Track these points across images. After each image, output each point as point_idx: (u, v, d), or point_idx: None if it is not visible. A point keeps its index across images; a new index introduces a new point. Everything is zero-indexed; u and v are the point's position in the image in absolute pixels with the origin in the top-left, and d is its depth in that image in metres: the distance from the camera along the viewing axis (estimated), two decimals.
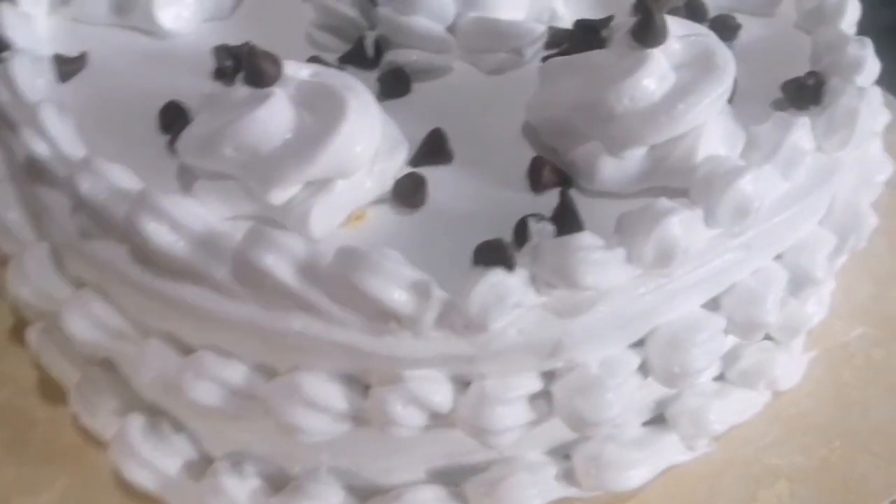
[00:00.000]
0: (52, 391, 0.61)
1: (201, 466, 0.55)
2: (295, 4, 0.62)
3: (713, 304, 0.51)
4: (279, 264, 0.43)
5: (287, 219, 0.47)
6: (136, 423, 0.55)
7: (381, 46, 0.57)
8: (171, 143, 0.51)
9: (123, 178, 0.48)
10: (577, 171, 0.50)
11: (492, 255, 0.44)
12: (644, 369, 0.49)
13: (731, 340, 0.53)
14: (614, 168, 0.49)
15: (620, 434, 0.55)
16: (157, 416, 0.55)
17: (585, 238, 0.44)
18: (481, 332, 0.44)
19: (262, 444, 0.53)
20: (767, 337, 0.56)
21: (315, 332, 0.45)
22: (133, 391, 0.57)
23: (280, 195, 0.47)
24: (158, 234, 0.45)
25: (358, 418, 0.47)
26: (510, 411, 0.47)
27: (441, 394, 0.46)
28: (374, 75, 0.56)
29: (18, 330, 0.64)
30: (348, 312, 0.44)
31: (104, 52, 0.58)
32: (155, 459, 0.54)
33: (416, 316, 0.43)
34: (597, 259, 0.44)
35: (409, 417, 0.46)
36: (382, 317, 0.44)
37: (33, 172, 0.51)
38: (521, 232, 0.47)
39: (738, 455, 0.57)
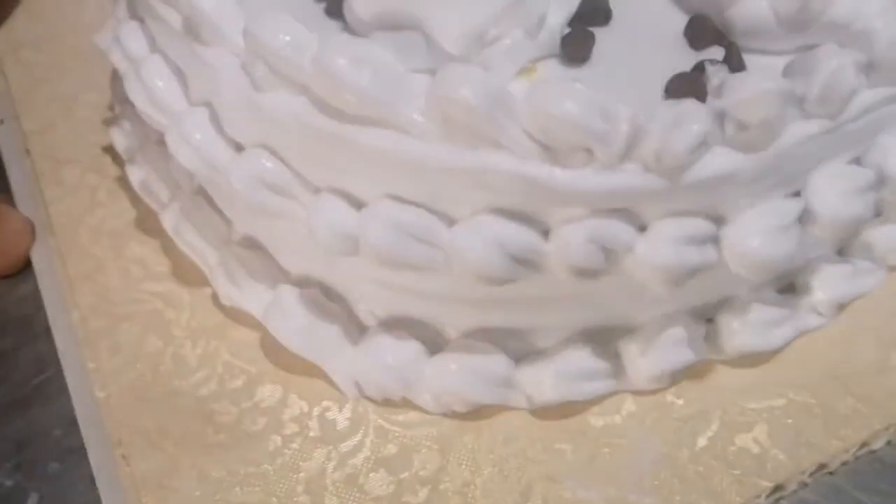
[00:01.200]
0: (186, 275, 0.62)
1: (357, 333, 0.56)
2: None
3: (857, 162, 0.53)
4: (475, 95, 0.44)
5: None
6: (289, 293, 0.55)
7: None
8: (330, 7, 0.52)
9: (299, 28, 0.48)
10: (736, 29, 0.51)
11: (685, 87, 0.45)
12: (804, 218, 0.51)
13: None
14: (774, 22, 0.50)
15: (761, 296, 0.56)
16: (307, 287, 0.56)
17: (768, 75, 0.46)
18: (674, 162, 0.45)
19: (419, 306, 0.54)
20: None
21: (505, 167, 0.46)
22: (279, 267, 0.58)
23: (461, 44, 0.47)
24: (347, 73, 0.46)
25: (536, 263, 0.48)
26: (685, 254, 0.48)
27: (625, 233, 0.47)
28: None
29: (141, 222, 0.65)
30: (539, 145, 0.45)
31: None
32: (311, 325, 0.55)
33: (611, 145, 0.44)
34: (778, 93, 0.45)
35: (591, 258, 0.47)
36: (575, 148, 0.45)
37: (195, 33, 0.51)
38: (690, 76, 0.48)
39: (868, 322, 0.59)
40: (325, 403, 0.56)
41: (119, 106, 0.67)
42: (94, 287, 0.61)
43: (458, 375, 0.54)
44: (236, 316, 0.59)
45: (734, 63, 0.49)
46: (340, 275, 0.55)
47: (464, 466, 0.53)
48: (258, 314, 0.57)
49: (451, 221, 0.48)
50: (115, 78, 0.66)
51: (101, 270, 0.62)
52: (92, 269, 0.62)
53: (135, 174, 0.64)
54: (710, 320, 0.57)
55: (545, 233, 0.48)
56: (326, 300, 0.56)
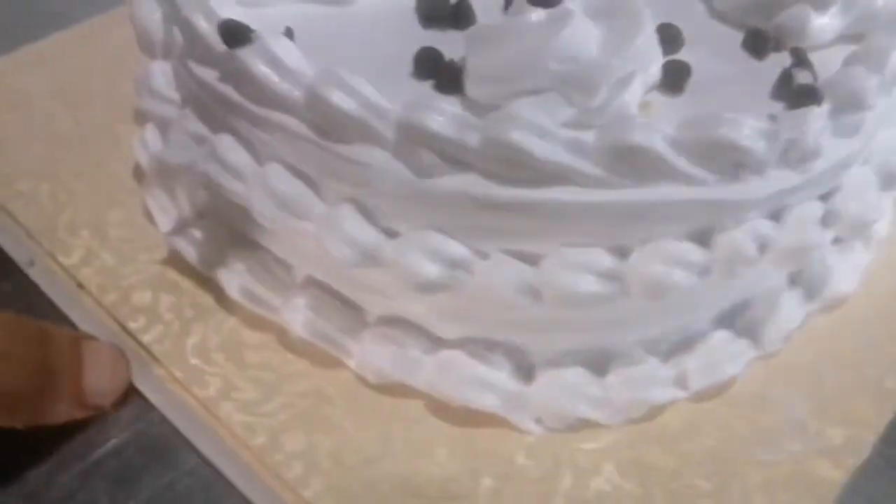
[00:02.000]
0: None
1: (526, 373, 0.59)
2: None
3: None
4: (654, 138, 0.49)
5: (601, 118, 0.53)
6: (455, 353, 0.58)
7: None
8: (443, 84, 0.55)
9: (455, 109, 0.51)
10: (788, 33, 0.60)
11: (805, 97, 0.52)
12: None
13: None
14: (821, 22, 0.59)
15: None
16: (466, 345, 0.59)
17: (863, 70, 0.54)
18: (814, 160, 0.52)
19: (585, 338, 0.58)
20: None
21: (681, 196, 0.51)
22: (428, 334, 0.60)
23: (600, 97, 0.52)
24: (524, 143, 0.49)
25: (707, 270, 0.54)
26: (814, 233, 0.56)
27: (770, 227, 0.54)
28: None
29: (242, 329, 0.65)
30: (706, 170, 0.51)
31: (299, 26, 0.60)
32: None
33: (767, 157, 0.51)
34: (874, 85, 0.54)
35: (755, 253, 0.54)
36: (736, 166, 0.51)
37: (335, 134, 0.53)
38: (788, 82, 0.56)
39: None
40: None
41: (191, 217, 0.65)
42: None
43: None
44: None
45: (805, 64, 0.57)
46: (507, 324, 0.58)
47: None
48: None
49: (623, 254, 0.53)
50: (179, 191, 0.65)
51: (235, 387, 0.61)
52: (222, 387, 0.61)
53: (232, 282, 0.63)
54: None
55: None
56: (487, 351, 0.59)
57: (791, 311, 0.62)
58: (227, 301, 0.64)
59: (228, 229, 0.65)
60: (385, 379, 0.60)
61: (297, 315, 0.61)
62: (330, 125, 0.53)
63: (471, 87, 0.54)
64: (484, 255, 0.54)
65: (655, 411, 0.60)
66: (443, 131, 0.50)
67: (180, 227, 0.67)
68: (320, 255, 0.56)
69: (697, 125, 0.50)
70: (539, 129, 0.50)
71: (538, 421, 0.59)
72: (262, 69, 0.53)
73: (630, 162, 0.50)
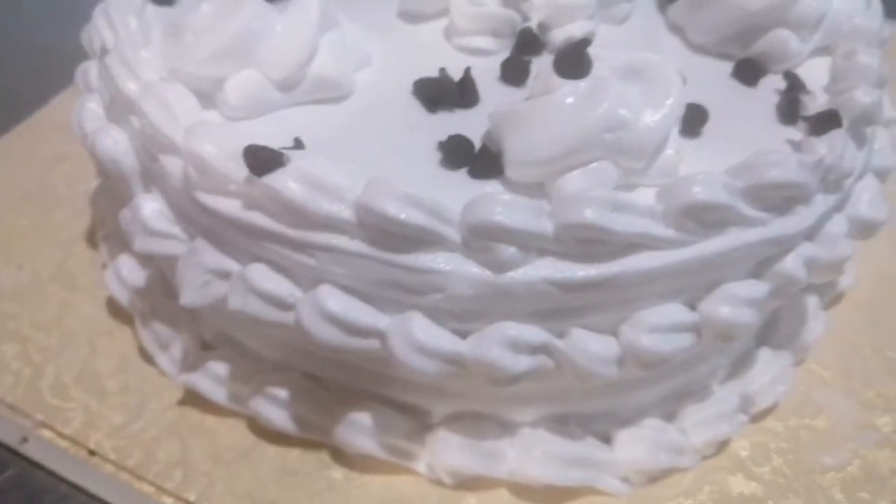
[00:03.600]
0: None
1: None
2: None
3: None
4: (716, 191, 0.50)
5: (647, 176, 0.53)
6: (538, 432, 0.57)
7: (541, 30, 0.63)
8: (480, 170, 0.54)
9: (524, 201, 0.50)
10: (771, 58, 0.62)
11: (828, 121, 0.55)
12: None
13: None
14: (799, 43, 0.62)
15: None
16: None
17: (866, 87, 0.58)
18: (847, 178, 0.55)
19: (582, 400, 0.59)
20: None
21: (745, 240, 0.52)
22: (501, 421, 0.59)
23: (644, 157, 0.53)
24: (607, 222, 0.49)
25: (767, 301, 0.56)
26: (845, 245, 0.59)
27: (812, 249, 0.56)
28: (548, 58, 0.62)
29: None
30: (763, 210, 0.52)
31: (301, 133, 0.56)
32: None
33: (813, 188, 0.53)
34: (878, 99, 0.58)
35: (805, 276, 0.56)
36: (788, 200, 0.53)
37: (408, 247, 0.50)
38: (795, 107, 0.58)
39: None
40: None
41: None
42: None
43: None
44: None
45: (801, 87, 0.60)
46: (583, 395, 0.58)
47: None
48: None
49: (693, 304, 0.54)
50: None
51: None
52: None
53: (273, 412, 0.59)
54: None
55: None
56: (561, 425, 0.58)
57: (815, 315, 0.65)
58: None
59: (256, 357, 0.61)
60: (462, 476, 0.58)
61: (357, 433, 0.58)
62: (388, 238, 0.50)
63: (512, 170, 0.53)
64: (561, 335, 0.53)
65: (724, 443, 0.62)
66: (516, 224, 0.49)
67: (192, 364, 0.62)
68: (386, 370, 0.54)
69: (749, 169, 0.52)
70: (610, 203, 0.49)
71: (625, 480, 0.59)
72: (300, 193, 0.50)
73: (697, 217, 0.51)
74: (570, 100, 0.51)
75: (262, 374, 0.61)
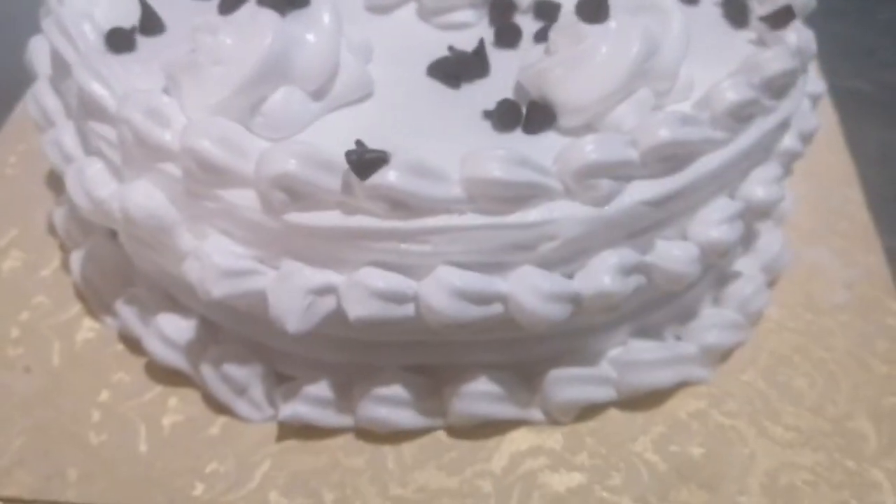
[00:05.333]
0: None
1: None
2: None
3: None
4: (747, 91, 0.58)
5: (671, 95, 0.60)
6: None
7: None
8: (534, 126, 0.58)
9: None
10: None
11: (784, 18, 0.64)
12: None
13: None
14: None
15: None
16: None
17: None
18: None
19: None
20: None
21: (766, 127, 0.60)
22: None
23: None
24: (685, 133, 0.55)
25: None
26: None
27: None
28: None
29: None
30: (773, 98, 0.61)
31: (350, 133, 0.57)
32: None
33: (800, 71, 0.62)
34: None
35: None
36: (786, 87, 0.62)
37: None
38: (744, 10, 0.67)
39: None
40: None
41: None
42: None
43: None
44: None
45: None
46: None
47: None
48: None
49: (732, 195, 0.62)
50: None
51: None
52: None
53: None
54: None
55: None
56: None
57: None
58: None
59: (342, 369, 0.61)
60: (577, 409, 0.63)
61: (473, 402, 0.61)
62: (498, 203, 0.53)
63: (565, 118, 0.57)
64: (646, 251, 0.58)
65: None
66: (610, 158, 0.54)
67: (284, 396, 0.61)
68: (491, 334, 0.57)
69: (756, 67, 0.59)
70: (677, 120, 0.55)
71: (705, 367, 0.66)
72: (411, 183, 0.52)
73: (736, 115, 0.58)
74: (606, 41, 0.57)
75: (362, 382, 0.61)
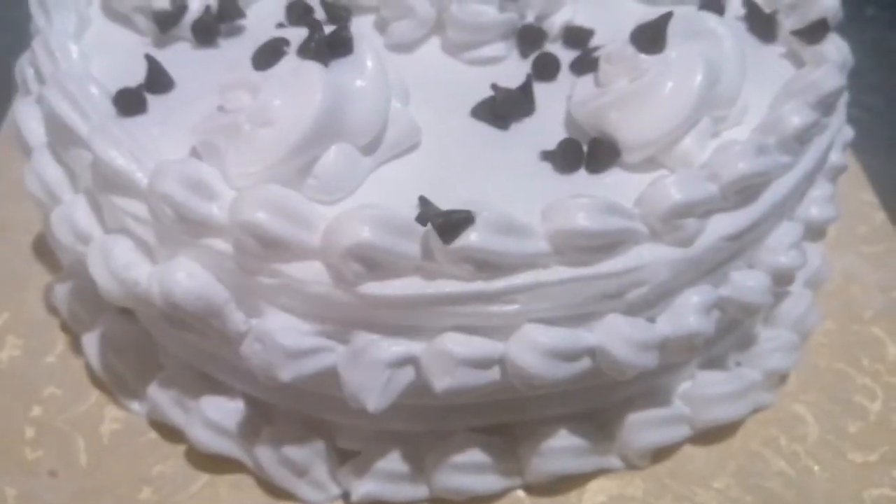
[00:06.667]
0: None
1: None
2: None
3: None
4: (808, 113, 0.56)
5: (727, 121, 0.58)
6: None
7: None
8: (598, 165, 0.55)
9: None
10: None
11: (820, 32, 0.63)
12: None
13: None
14: None
15: None
16: None
17: None
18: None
19: None
20: None
21: (822, 144, 0.59)
22: None
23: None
24: (759, 163, 0.53)
25: None
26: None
27: None
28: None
29: None
30: (825, 116, 0.60)
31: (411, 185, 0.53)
32: None
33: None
34: None
35: None
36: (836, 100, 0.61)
37: None
38: (772, 24, 0.66)
39: None
40: None
41: None
42: None
43: None
44: None
45: (757, 7, 0.68)
46: None
47: None
48: None
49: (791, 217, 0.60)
50: None
51: None
52: None
53: None
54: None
55: None
56: None
57: None
58: None
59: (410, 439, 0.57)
60: (654, 450, 0.61)
61: (551, 459, 0.58)
62: (585, 253, 0.50)
63: (631, 154, 0.55)
64: (718, 284, 0.56)
65: None
66: (694, 197, 0.51)
67: (354, 473, 0.57)
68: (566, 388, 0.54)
69: (810, 86, 0.58)
70: (752, 150, 0.53)
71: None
72: (497, 242, 0.48)
73: (800, 138, 0.56)
74: (668, 73, 0.54)
75: (435, 450, 0.57)
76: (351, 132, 0.52)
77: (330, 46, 0.53)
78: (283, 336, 0.51)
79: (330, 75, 0.52)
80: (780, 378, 0.66)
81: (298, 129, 0.50)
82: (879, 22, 1.14)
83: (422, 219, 0.48)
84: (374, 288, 0.49)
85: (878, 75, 1.04)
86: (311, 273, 0.50)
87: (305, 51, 0.52)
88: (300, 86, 0.51)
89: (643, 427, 0.59)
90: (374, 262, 0.48)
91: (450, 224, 0.47)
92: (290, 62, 0.52)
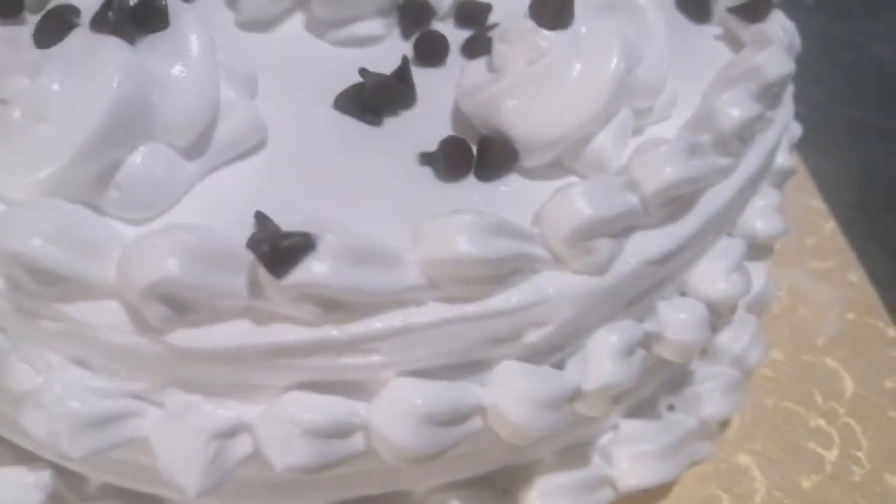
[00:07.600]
0: None
1: None
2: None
3: None
4: (752, 105, 0.46)
5: (652, 114, 0.47)
6: None
7: None
8: (487, 170, 0.44)
9: None
10: None
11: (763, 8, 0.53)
12: None
13: None
14: None
15: None
16: None
17: None
18: None
19: None
20: None
21: (769, 142, 0.49)
22: None
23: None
24: (699, 168, 0.42)
25: None
26: None
27: None
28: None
29: None
30: (771, 109, 0.49)
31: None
32: None
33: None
34: None
35: None
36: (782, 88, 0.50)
37: None
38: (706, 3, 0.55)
39: None
40: None
41: None
42: None
43: None
44: None
45: None
46: None
47: None
48: None
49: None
50: None
51: None
52: None
53: None
54: None
55: None
56: None
57: None
58: None
59: None
60: None
61: None
62: (471, 286, 0.39)
63: (531, 156, 0.44)
64: (643, 318, 0.45)
65: None
66: (609, 211, 0.40)
67: None
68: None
69: (753, 70, 0.48)
70: (682, 151, 0.42)
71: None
72: (349, 274, 0.36)
73: (740, 135, 0.46)
74: (576, 53, 0.43)
75: None
76: (166, 130, 0.40)
77: (136, 18, 0.40)
78: (72, 399, 0.38)
79: (133, 55, 0.39)
80: (720, 424, 0.55)
81: (87, 125, 0.38)
82: (822, 9, 1.05)
83: (252, 244, 0.36)
84: (185, 337, 0.37)
85: (821, 66, 0.95)
86: (104, 316, 0.38)
87: (100, 23, 0.40)
88: (92, 67, 0.39)
89: (555, 494, 0.48)
90: (184, 304, 0.36)
91: (280, 251, 0.35)
92: (80, 37, 0.40)
